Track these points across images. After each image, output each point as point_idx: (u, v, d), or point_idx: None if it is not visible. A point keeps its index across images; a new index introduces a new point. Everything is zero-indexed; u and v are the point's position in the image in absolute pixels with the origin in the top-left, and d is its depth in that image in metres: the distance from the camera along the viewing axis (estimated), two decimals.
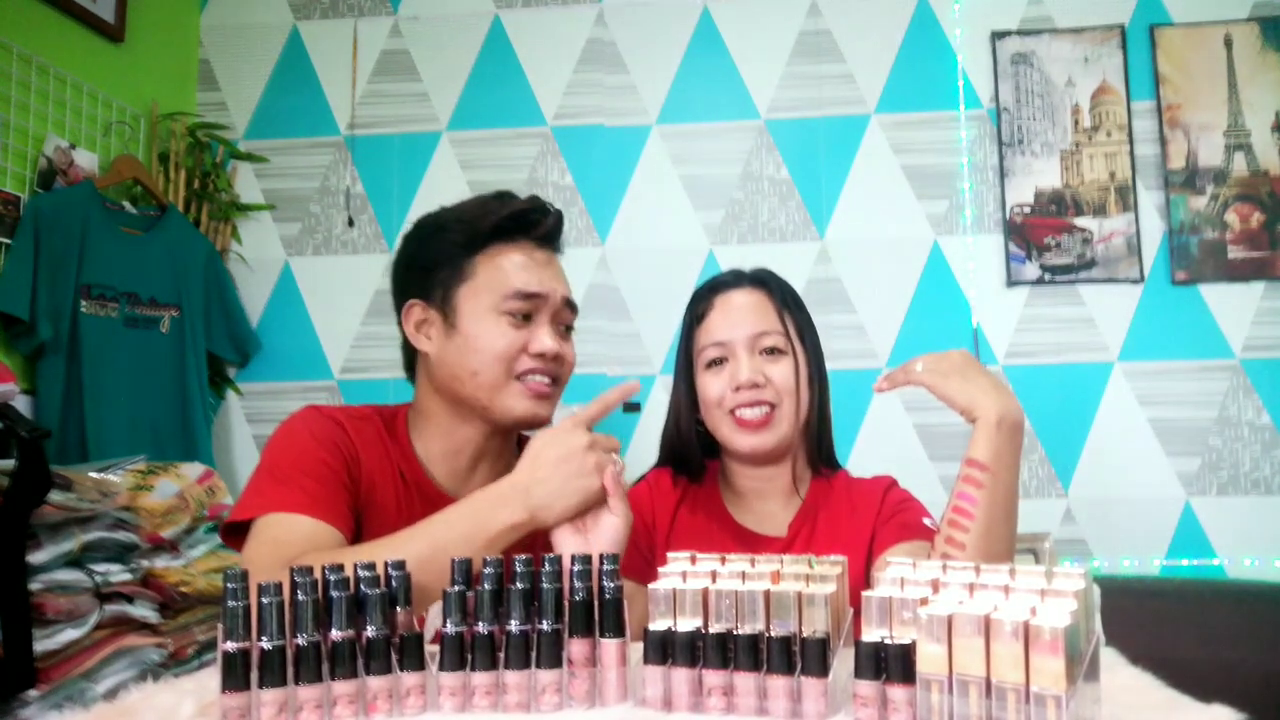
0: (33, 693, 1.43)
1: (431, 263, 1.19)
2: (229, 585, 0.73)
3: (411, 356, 1.25)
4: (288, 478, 1.05)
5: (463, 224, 1.18)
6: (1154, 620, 1.91)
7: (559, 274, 1.21)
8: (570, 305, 1.21)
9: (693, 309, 1.30)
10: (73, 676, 1.51)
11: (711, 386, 1.23)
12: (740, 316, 1.24)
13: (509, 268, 1.15)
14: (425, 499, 1.17)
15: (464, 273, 1.16)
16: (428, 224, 1.23)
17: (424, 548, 0.93)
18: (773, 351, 1.23)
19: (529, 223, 1.18)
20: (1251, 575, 2.22)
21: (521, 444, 1.29)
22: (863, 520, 1.22)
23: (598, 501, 1.00)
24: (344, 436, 1.13)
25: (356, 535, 1.09)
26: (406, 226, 1.26)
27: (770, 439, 1.21)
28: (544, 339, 1.15)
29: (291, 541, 0.99)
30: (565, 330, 1.22)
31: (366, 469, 1.13)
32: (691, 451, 1.30)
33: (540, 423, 1.17)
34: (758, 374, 1.20)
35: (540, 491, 0.97)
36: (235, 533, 1.07)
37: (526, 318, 1.15)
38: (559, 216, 1.23)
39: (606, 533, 1.00)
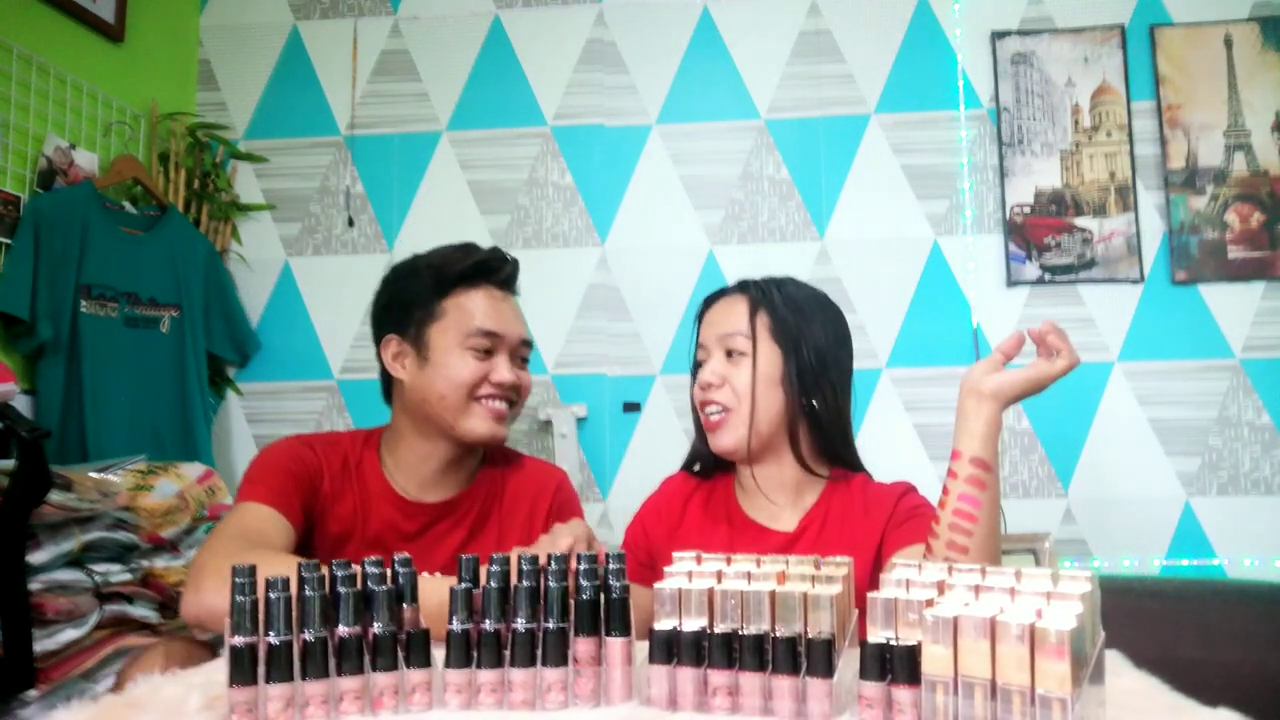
0: (33, 693, 1.43)
1: (407, 303, 1.37)
2: (236, 580, 0.73)
3: (389, 383, 1.43)
4: (257, 480, 1.26)
5: (433, 269, 1.36)
6: (1154, 621, 1.91)
7: (517, 314, 1.41)
8: (526, 343, 1.40)
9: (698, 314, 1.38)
10: (73, 676, 1.51)
11: (693, 385, 1.32)
12: (717, 318, 1.31)
13: (473, 309, 1.34)
14: (388, 502, 1.36)
15: (434, 313, 1.35)
16: (403, 269, 1.41)
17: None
18: (737, 354, 1.27)
19: (490, 269, 1.38)
20: (1251, 575, 2.22)
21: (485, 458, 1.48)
22: (874, 523, 1.23)
23: None
24: (312, 456, 1.32)
25: (307, 531, 1.29)
26: (391, 261, 1.40)
27: (725, 440, 1.26)
28: (503, 371, 1.34)
29: (246, 521, 1.18)
30: (522, 361, 1.41)
31: (329, 482, 1.32)
32: (705, 448, 1.35)
33: (499, 440, 1.37)
34: (714, 375, 1.27)
35: None
36: None
37: (488, 352, 1.34)
38: (515, 264, 1.42)
39: None
